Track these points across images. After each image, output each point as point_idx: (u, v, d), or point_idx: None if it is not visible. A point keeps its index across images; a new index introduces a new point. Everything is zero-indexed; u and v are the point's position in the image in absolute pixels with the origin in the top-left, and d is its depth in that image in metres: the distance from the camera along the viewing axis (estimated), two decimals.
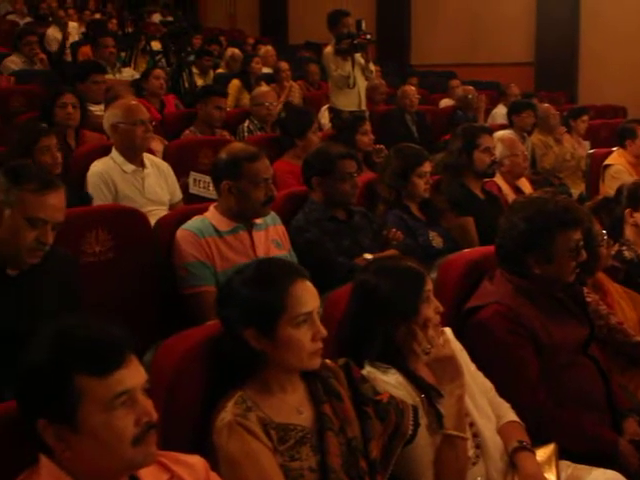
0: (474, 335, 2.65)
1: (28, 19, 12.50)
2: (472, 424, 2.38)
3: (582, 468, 2.48)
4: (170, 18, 13.23)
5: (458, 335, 2.55)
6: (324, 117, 7.03)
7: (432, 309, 2.34)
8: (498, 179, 4.86)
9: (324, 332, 2.06)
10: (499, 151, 4.78)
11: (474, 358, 2.55)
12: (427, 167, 4.13)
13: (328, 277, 3.12)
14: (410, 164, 4.10)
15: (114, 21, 11.27)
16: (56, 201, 2.44)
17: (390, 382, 2.28)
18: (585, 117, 7.46)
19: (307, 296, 2.06)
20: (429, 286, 2.35)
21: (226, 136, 5.74)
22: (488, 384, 2.55)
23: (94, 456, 1.59)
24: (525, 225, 2.74)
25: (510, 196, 4.78)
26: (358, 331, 2.34)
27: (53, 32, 10.39)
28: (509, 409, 2.54)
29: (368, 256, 3.51)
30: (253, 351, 2.04)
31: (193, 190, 4.66)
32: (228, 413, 1.97)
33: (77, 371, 1.56)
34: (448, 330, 2.47)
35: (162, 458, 1.73)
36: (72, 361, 1.56)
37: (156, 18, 13.10)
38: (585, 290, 3.07)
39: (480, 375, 2.54)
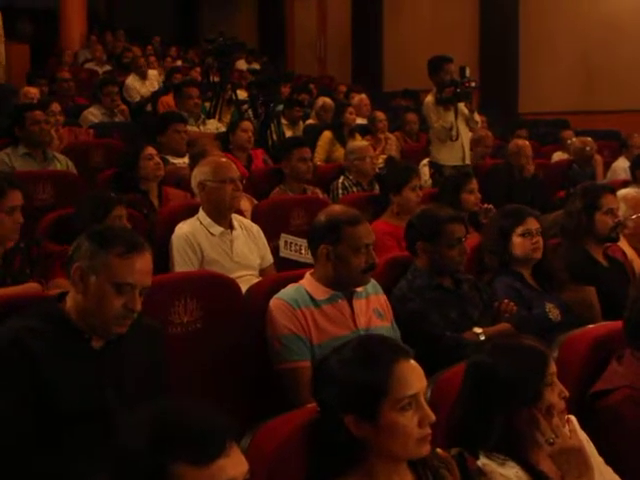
0: (602, 424, 2.60)
1: (107, 67, 13.06)
2: None
3: None
4: (256, 65, 13.60)
5: (583, 424, 2.50)
6: (424, 173, 7.05)
7: (556, 394, 2.31)
8: (622, 243, 4.77)
9: (432, 416, 2.05)
10: (622, 211, 4.70)
11: (601, 450, 2.49)
12: (532, 224, 4.06)
13: (434, 353, 3.13)
14: (509, 223, 4.07)
15: (197, 69, 11.61)
16: (143, 264, 2.50)
17: (509, 476, 2.25)
18: None
19: (412, 377, 2.06)
20: (553, 368, 2.33)
21: (318, 194, 5.83)
22: None
23: None
24: None
25: (637, 262, 4.69)
26: (472, 418, 2.33)
27: (132, 81, 10.78)
28: None
29: (478, 330, 3.50)
30: (354, 438, 2.05)
31: (284, 253, 4.74)
32: None
33: (176, 459, 1.60)
34: (574, 418, 2.43)
35: None
36: (171, 449, 1.60)
37: (241, 65, 13.48)
38: None
39: (609, 470, 2.48)
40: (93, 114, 8.08)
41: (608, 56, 12.67)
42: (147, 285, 2.52)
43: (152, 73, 11.16)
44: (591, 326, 3.14)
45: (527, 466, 2.28)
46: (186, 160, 5.95)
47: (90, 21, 15.96)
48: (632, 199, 4.99)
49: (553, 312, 3.96)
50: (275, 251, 4.63)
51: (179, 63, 13.86)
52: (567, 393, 2.34)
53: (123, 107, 8.25)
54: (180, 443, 1.60)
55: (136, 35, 16.64)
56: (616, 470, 2.49)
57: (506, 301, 3.71)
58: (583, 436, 2.44)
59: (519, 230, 4.03)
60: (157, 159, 5.28)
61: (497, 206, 5.06)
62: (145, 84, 10.78)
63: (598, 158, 8.16)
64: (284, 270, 4.22)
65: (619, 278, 4.24)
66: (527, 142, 7.49)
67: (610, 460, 2.48)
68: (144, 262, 2.51)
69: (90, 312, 2.48)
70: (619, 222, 4.47)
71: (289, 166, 5.77)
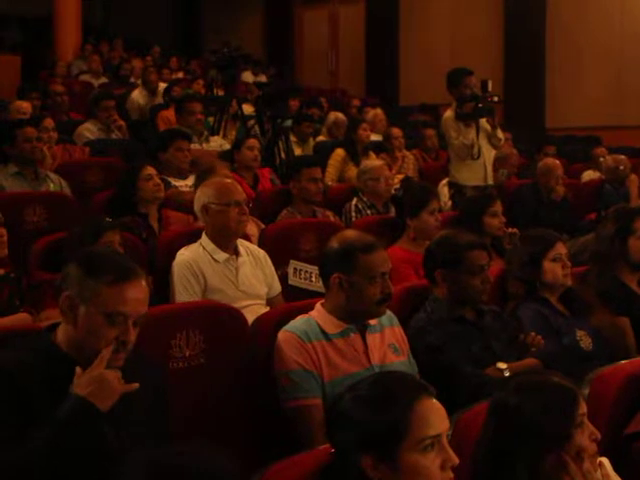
0: (637, 468, 2.60)
1: (103, 79, 13.14)
2: None
3: None
4: (263, 77, 13.68)
5: (617, 467, 2.51)
6: (443, 194, 7.08)
7: (587, 436, 2.31)
8: None
9: (456, 459, 2.07)
10: None
11: None
12: (561, 248, 4.13)
13: (454, 390, 3.14)
14: (539, 248, 4.10)
15: (200, 81, 11.66)
16: (136, 292, 2.49)
17: None
18: None
19: (434, 416, 2.09)
20: (583, 408, 2.33)
21: (330, 217, 5.85)
22: None
23: None
24: None
25: None
26: (496, 462, 2.32)
27: (138, 96, 10.79)
28: None
29: (502, 366, 3.50)
30: None
31: (293, 281, 4.76)
32: None
33: None
34: (606, 461, 2.43)
35: None
36: None
37: (247, 77, 13.55)
38: None
39: None
40: (89, 130, 8.06)
41: None
42: (142, 314, 2.51)
43: (161, 86, 11.05)
44: (624, 362, 3.14)
45: None
46: (189, 182, 5.97)
47: (85, 30, 16.06)
48: None
49: (584, 340, 3.98)
50: (283, 279, 4.65)
51: (180, 75, 13.92)
52: (599, 435, 2.34)
53: (121, 123, 8.25)
54: None
55: (134, 45, 16.75)
56: None
57: (532, 334, 3.70)
58: None
59: (550, 255, 4.06)
60: (157, 180, 5.32)
61: (523, 230, 5.07)
62: (153, 101, 10.70)
63: (634, 178, 8.13)
64: (292, 299, 4.23)
65: None
66: (557, 162, 7.47)
67: None
68: (137, 290, 2.49)
69: (81, 344, 2.47)
70: None
71: (298, 187, 5.78)
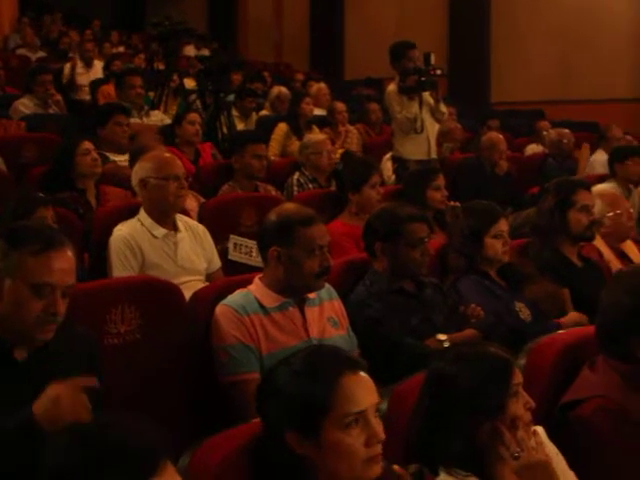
0: (572, 436, 2.63)
1: (41, 54, 12.94)
2: None
3: None
4: (206, 51, 13.58)
5: (552, 436, 2.54)
6: (387, 168, 7.10)
7: (521, 405, 2.34)
8: (598, 242, 4.83)
9: (381, 435, 2.06)
10: (598, 209, 4.76)
11: (572, 464, 2.53)
12: (503, 225, 4.16)
13: (393, 362, 3.16)
14: (482, 223, 4.13)
15: (141, 56, 11.56)
16: (63, 262, 2.46)
17: None
18: None
19: (359, 392, 2.07)
20: (518, 378, 2.35)
21: (271, 192, 5.84)
22: None
23: None
24: (629, 300, 2.73)
25: (613, 263, 4.76)
26: (432, 431, 2.34)
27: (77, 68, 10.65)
28: None
29: (442, 337, 3.53)
30: (298, 457, 2.06)
31: (233, 256, 4.74)
32: None
33: None
34: (541, 430, 2.46)
35: None
36: (97, 471, 1.60)
37: (189, 51, 13.45)
38: None
39: None
40: (25, 105, 7.98)
41: (585, 42, 12.81)
42: (69, 284, 2.48)
43: (98, 64, 10.96)
44: (561, 332, 3.18)
45: None
46: (127, 157, 5.91)
47: (23, 3, 15.79)
48: (609, 195, 5.06)
49: (524, 312, 4.03)
50: (223, 254, 4.63)
51: (121, 49, 13.78)
52: (533, 404, 2.37)
53: (58, 97, 8.17)
54: (105, 464, 1.59)
55: (73, 18, 16.50)
56: None
57: (473, 306, 3.75)
58: (552, 448, 2.48)
59: (492, 232, 4.09)
60: (94, 154, 5.28)
61: (464, 203, 5.09)
62: (89, 74, 10.62)
63: (584, 152, 8.16)
64: (233, 274, 4.21)
65: (594, 280, 4.28)
66: (501, 136, 7.54)
67: (581, 474, 2.51)
68: (63, 259, 2.47)
69: (9, 319, 2.45)
70: (595, 220, 4.52)
71: (241, 162, 5.75)
